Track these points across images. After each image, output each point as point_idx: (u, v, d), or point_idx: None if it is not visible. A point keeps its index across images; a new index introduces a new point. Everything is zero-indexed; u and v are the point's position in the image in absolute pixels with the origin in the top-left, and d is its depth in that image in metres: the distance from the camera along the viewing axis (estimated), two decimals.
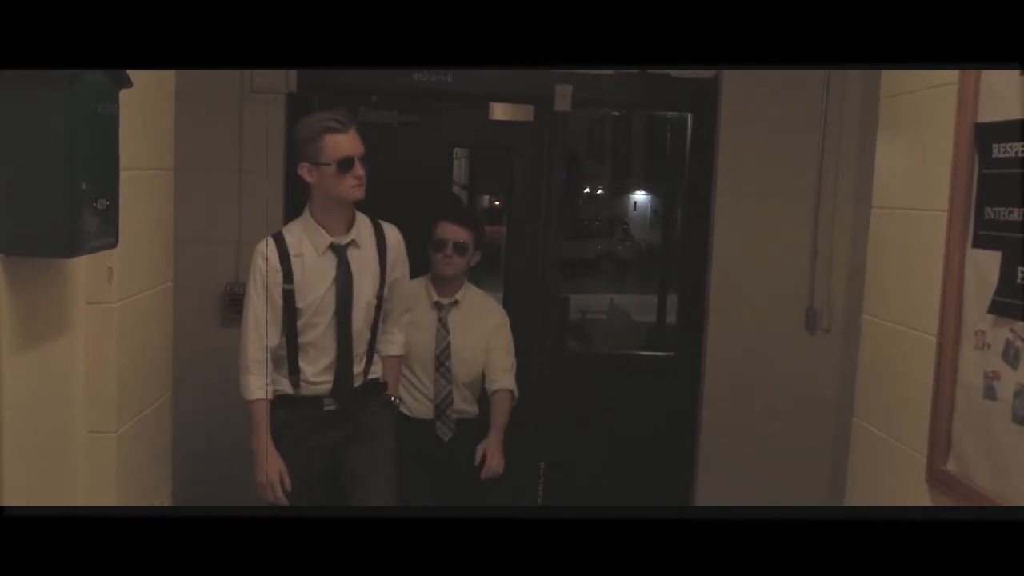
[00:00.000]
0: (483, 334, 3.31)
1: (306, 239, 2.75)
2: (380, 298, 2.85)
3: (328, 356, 2.77)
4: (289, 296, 2.72)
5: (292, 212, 3.21)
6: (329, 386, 2.77)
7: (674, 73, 3.84)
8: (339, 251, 2.77)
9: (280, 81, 3.65)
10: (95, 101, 1.79)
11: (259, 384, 2.70)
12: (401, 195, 3.62)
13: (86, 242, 1.79)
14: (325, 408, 2.78)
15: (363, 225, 2.84)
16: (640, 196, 15.36)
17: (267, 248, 2.72)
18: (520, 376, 3.37)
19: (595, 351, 4.84)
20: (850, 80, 3.72)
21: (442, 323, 3.26)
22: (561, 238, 3.99)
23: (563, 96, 3.82)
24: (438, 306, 3.28)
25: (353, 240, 2.79)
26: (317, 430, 2.79)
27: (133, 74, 2.01)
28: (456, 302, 3.29)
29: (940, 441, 2.19)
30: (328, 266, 2.75)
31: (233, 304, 3.51)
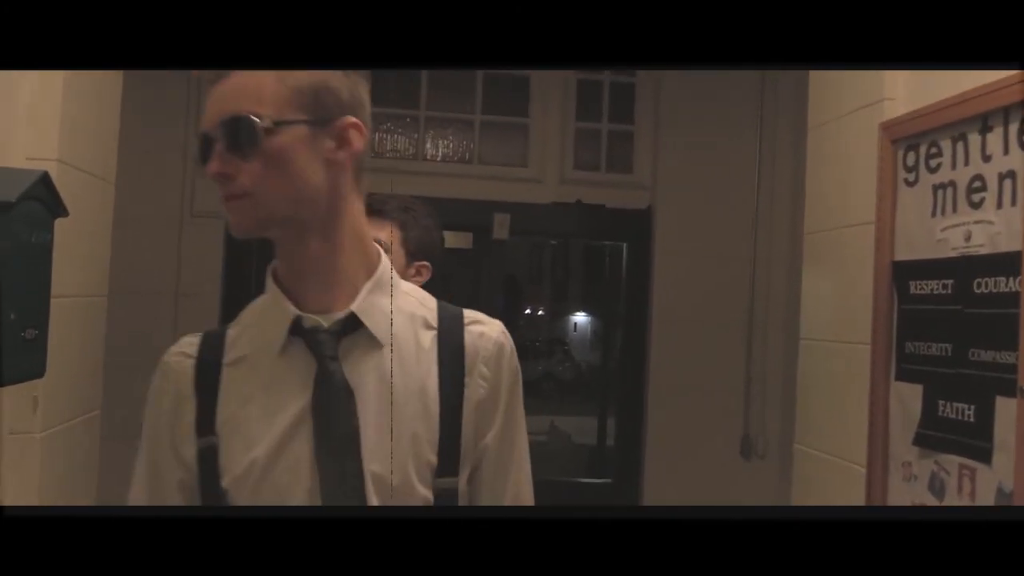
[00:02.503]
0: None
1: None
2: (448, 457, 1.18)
3: None
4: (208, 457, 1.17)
5: None
6: None
7: (609, 204, 3.97)
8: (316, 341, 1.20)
9: (219, 205, 3.67)
10: (29, 230, 1.78)
11: None
12: None
13: (12, 372, 1.75)
14: None
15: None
16: (580, 317, 15.58)
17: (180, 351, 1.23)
18: None
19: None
20: (777, 215, 3.88)
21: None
22: None
23: (501, 224, 3.91)
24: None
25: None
26: None
27: (70, 205, 2.01)
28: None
29: None
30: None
31: None
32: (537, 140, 4.01)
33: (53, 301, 2.01)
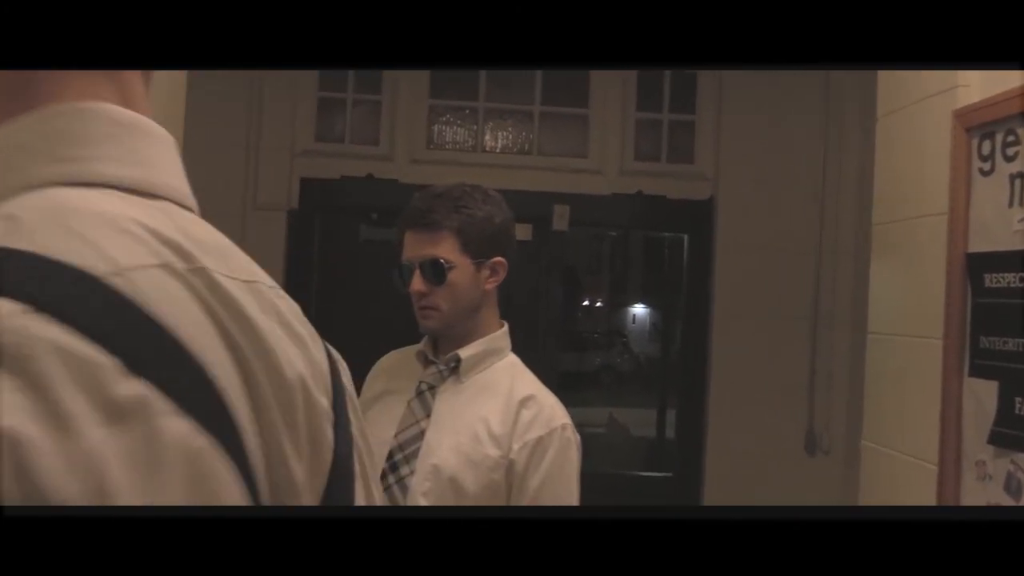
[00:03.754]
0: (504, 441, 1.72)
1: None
2: None
3: None
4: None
5: None
6: None
7: (670, 195, 3.92)
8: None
9: (282, 198, 3.72)
10: None
11: None
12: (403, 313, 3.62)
13: None
14: None
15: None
16: (639, 309, 15.47)
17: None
18: None
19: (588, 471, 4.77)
20: (844, 206, 3.79)
21: (420, 398, 1.76)
22: (557, 352, 3.99)
23: (561, 216, 3.88)
24: (423, 369, 1.81)
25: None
26: None
27: None
28: (455, 366, 1.77)
29: None
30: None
31: None
32: (597, 130, 3.98)
33: None
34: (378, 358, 1.93)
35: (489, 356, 1.78)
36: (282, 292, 0.65)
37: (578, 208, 3.89)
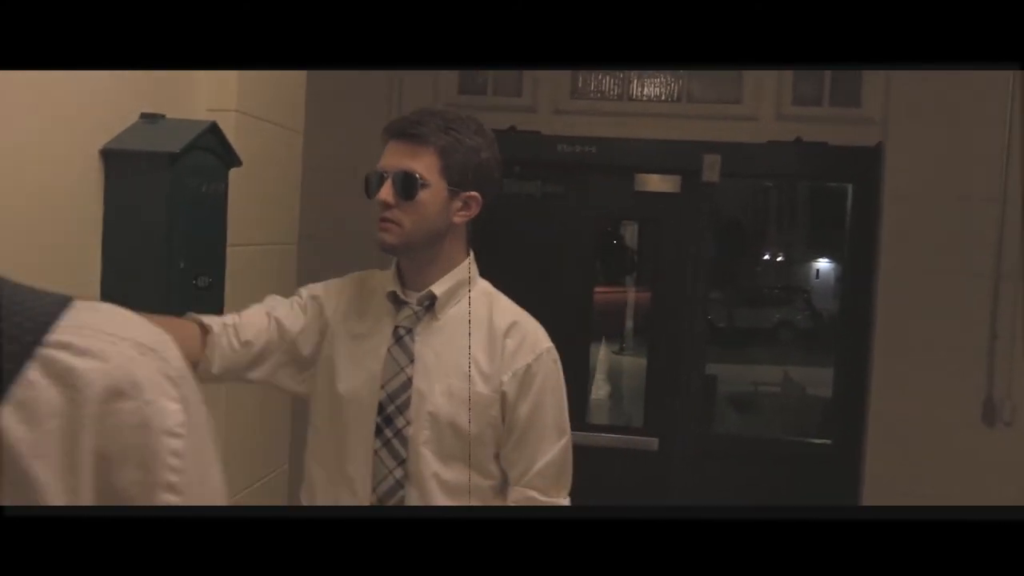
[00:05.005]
0: (494, 375, 1.68)
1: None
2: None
3: None
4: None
5: None
6: None
7: (832, 142, 3.62)
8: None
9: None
10: (198, 180, 1.83)
11: None
12: (548, 266, 3.57)
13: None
14: None
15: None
16: (823, 264, 14.77)
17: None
18: (658, 458, 3.18)
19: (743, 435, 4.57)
20: None
21: (400, 344, 1.68)
22: (703, 313, 3.80)
23: (711, 166, 3.67)
24: (396, 311, 1.71)
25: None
26: None
27: (252, 155, 2.06)
28: (429, 304, 1.69)
29: None
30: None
31: None
32: (751, 74, 3.71)
33: (234, 249, 2.08)
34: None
35: (461, 287, 1.71)
36: None
37: (730, 158, 3.66)
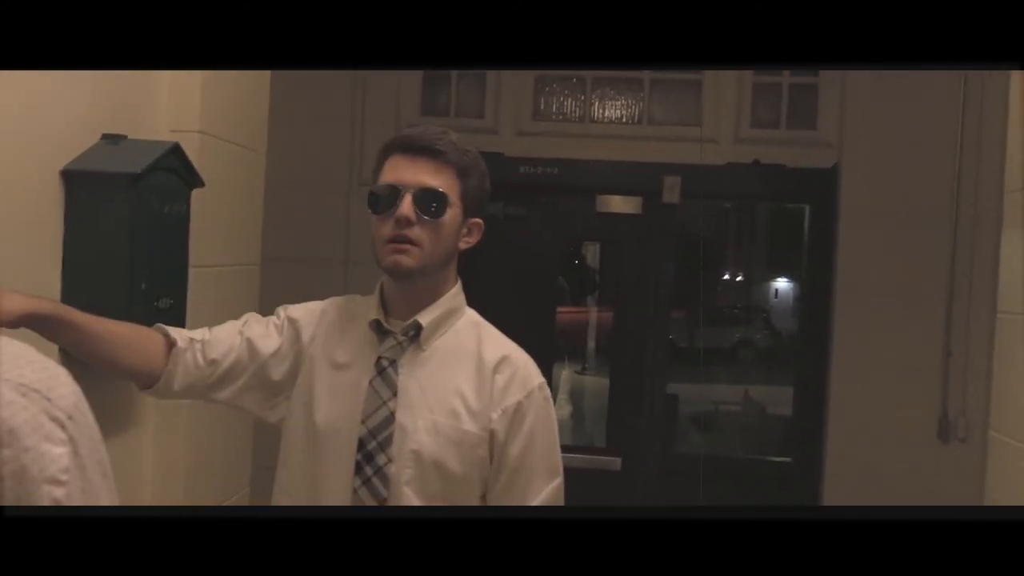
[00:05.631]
0: (482, 412, 1.58)
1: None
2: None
3: None
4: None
5: None
6: None
7: (790, 164, 3.68)
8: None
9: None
10: (160, 201, 1.82)
11: None
12: (509, 287, 3.58)
13: None
14: None
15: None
16: (782, 283, 14.95)
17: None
18: (621, 477, 3.20)
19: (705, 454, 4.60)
20: (983, 173, 3.45)
21: (383, 376, 1.59)
22: (664, 333, 3.84)
23: (671, 188, 3.72)
24: (379, 341, 1.61)
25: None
26: None
27: (215, 175, 2.05)
28: (415, 335, 1.60)
29: None
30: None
31: None
32: (711, 97, 3.77)
33: (197, 271, 2.06)
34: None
35: (449, 317, 1.61)
36: None
37: (690, 179, 3.71)
